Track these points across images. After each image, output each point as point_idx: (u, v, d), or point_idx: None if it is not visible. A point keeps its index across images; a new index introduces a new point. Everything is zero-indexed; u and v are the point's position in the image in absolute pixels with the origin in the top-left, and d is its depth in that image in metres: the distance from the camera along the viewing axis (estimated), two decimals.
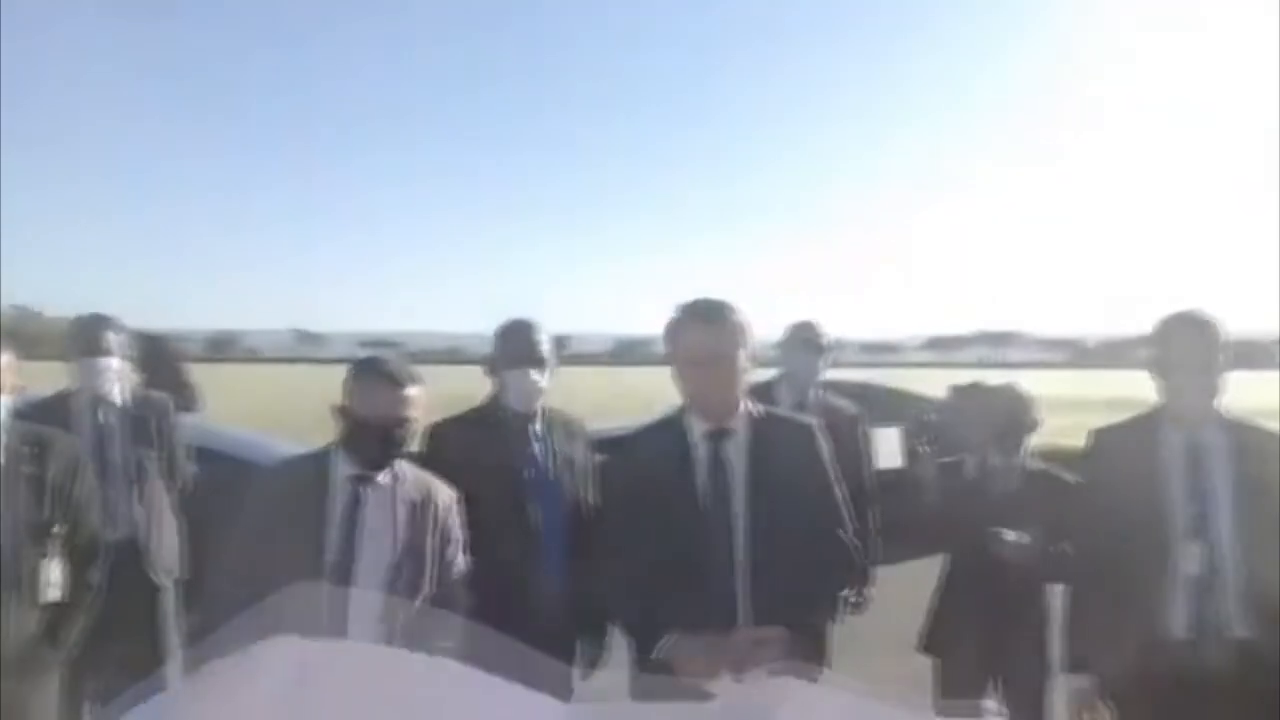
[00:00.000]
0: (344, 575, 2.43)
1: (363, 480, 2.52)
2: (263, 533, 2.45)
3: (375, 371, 2.53)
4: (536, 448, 3.14)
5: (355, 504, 2.50)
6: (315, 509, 2.48)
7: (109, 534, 3.76)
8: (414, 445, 2.57)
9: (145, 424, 4.03)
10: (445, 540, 2.61)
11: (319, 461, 2.57)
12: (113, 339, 3.96)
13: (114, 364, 3.96)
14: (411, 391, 2.52)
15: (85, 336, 3.93)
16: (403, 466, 2.60)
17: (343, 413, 2.53)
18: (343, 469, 2.54)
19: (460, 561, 2.65)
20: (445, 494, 2.65)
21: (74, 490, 2.68)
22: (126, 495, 3.90)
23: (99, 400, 3.94)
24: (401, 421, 2.50)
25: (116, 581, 3.31)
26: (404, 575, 2.49)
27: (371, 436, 2.49)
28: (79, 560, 2.70)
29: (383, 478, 2.55)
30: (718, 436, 2.55)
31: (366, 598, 2.42)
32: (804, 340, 4.08)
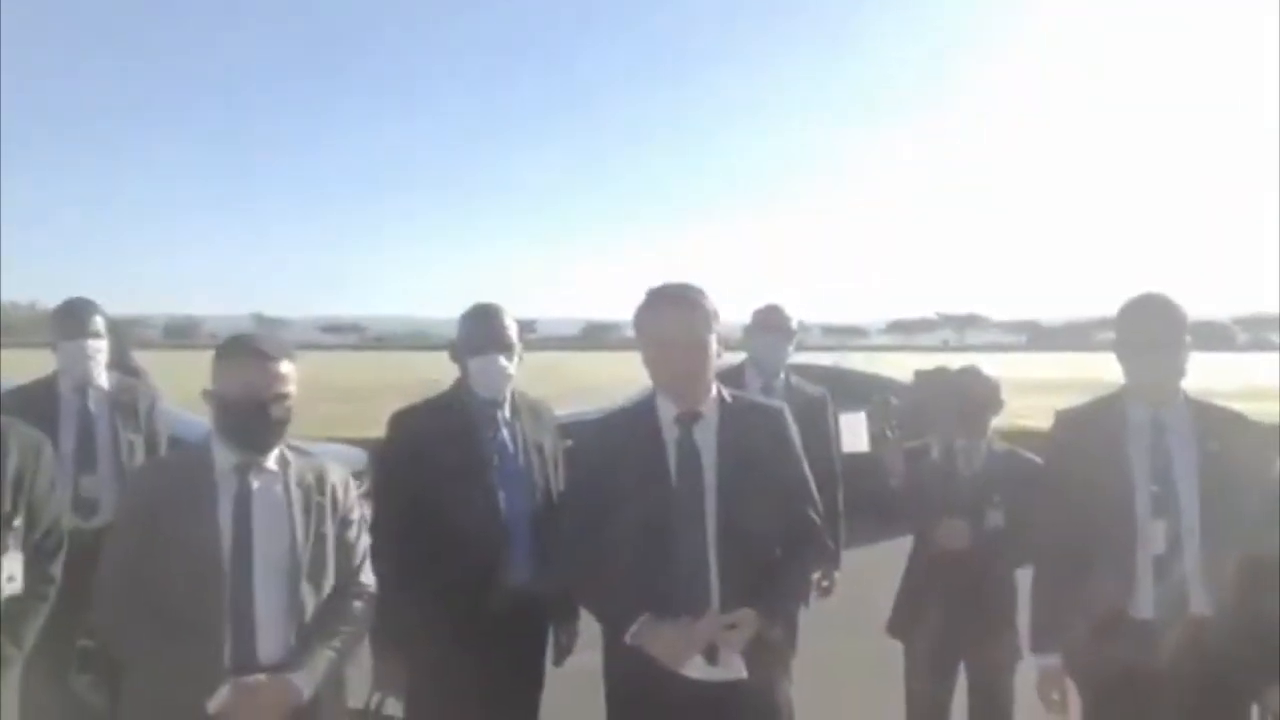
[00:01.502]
0: (243, 572, 2.32)
1: (248, 469, 2.37)
2: (150, 535, 2.31)
3: (242, 348, 2.37)
4: (504, 434, 3.11)
5: (244, 495, 2.36)
6: (203, 505, 2.33)
7: (95, 521, 3.73)
8: (338, 431, 2.44)
9: (133, 409, 3.99)
10: (346, 523, 2.50)
11: (200, 454, 2.41)
12: (99, 321, 3.92)
13: (102, 346, 3.92)
14: (284, 365, 2.36)
15: (72, 319, 3.88)
16: (291, 449, 2.47)
17: (214, 398, 2.36)
18: (226, 459, 2.38)
19: (364, 543, 2.56)
20: (340, 473, 2.54)
21: (34, 481, 2.62)
22: (114, 481, 3.85)
23: (86, 384, 3.89)
24: (278, 398, 2.34)
25: (94, 571, 3.26)
26: (306, 564, 2.39)
27: (248, 419, 2.33)
28: (40, 553, 2.65)
29: (270, 463, 2.41)
30: (688, 420, 2.54)
31: (270, 593, 2.34)
32: (770, 325, 4.09)
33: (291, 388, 2.38)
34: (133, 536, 2.36)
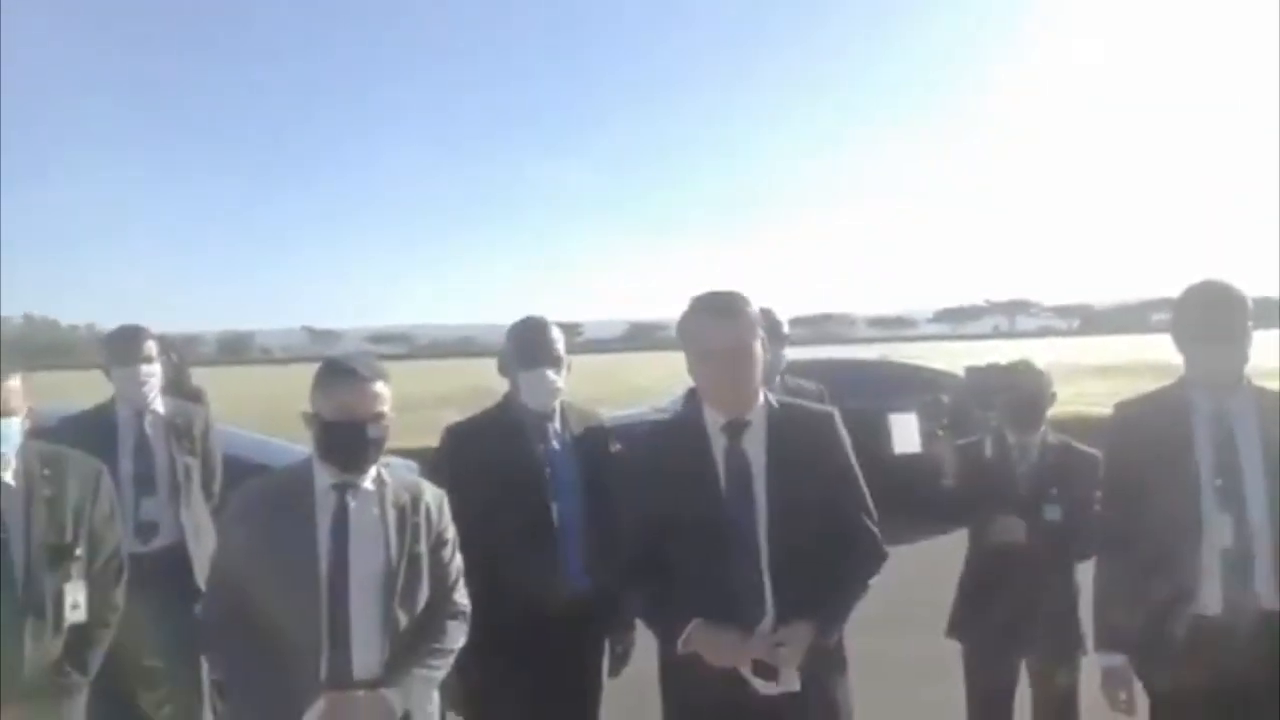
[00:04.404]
0: (339, 589, 2.35)
1: (345, 488, 2.42)
2: (250, 554, 2.37)
3: (338, 371, 2.40)
4: (556, 445, 3.14)
5: (342, 514, 2.40)
6: (302, 524, 2.38)
7: (154, 543, 3.81)
8: (390, 442, 2.45)
9: (188, 432, 4.06)
10: (440, 542, 2.53)
11: (300, 474, 2.46)
12: (151, 346, 3.99)
13: (155, 371, 3.99)
14: (379, 386, 2.40)
15: (125, 346, 3.94)
16: (387, 469, 2.50)
17: (312, 419, 2.41)
18: (324, 479, 2.43)
19: (458, 562, 2.58)
20: (434, 493, 2.56)
21: (94, 510, 2.66)
22: (172, 504, 3.92)
23: (142, 410, 3.96)
24: (374, 418, 2.38)
25: (156, 592, 3.32)
26: (401, 582, 2.41)
27: (346, 440, 2.37)
28: (102, 581, 2.69)
29: (367, 483, 2.44)
30: (736, 429, 2.52)
31: (365, 610, 2.37)
32: (764, 328, 4.01)
33: (387, 408, 2.42)
34: (234, 555, 2.42)
